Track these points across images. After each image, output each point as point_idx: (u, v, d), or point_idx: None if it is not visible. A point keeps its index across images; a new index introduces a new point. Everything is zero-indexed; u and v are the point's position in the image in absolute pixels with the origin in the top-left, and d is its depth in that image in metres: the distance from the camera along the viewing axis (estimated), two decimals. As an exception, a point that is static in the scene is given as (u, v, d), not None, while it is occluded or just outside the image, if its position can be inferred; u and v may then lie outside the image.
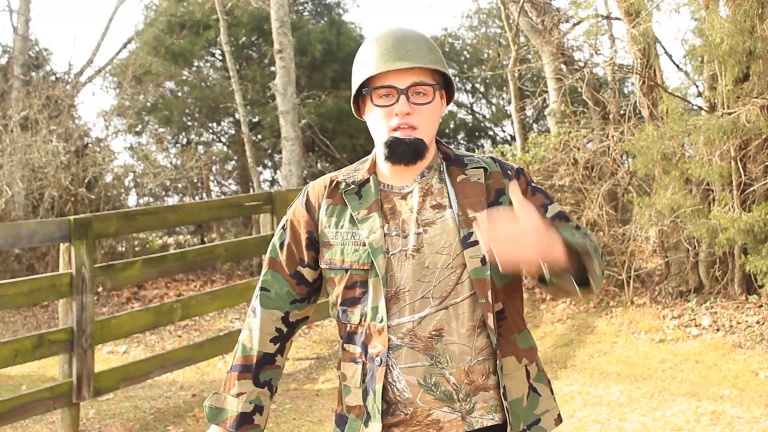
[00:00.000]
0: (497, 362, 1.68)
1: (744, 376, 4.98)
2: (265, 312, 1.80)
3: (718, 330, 5.86)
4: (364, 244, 1.70)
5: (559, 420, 1.80)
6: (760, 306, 6.02)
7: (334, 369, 5.68)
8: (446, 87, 1.78)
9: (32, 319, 7.70)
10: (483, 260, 1.67)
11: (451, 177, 1.75)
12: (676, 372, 5.16)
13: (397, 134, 1.69)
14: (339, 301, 1.75)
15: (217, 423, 1.77)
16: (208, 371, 5.79)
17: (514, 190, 1.54)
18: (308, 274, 1.81)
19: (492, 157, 1.81)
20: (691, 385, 4.88)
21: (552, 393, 1.81)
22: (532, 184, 1.80)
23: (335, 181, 1.79)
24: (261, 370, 1.79)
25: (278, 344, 1.81)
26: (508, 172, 1.78)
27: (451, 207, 1.71)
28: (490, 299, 1.67)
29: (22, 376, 5.71)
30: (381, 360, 1.67)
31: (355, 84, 1.74)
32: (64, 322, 4.44)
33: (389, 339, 1.67)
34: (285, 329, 1.81)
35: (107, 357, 6.25)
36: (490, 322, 1.67)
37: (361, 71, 1.72)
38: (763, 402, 4.51)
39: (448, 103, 1.81)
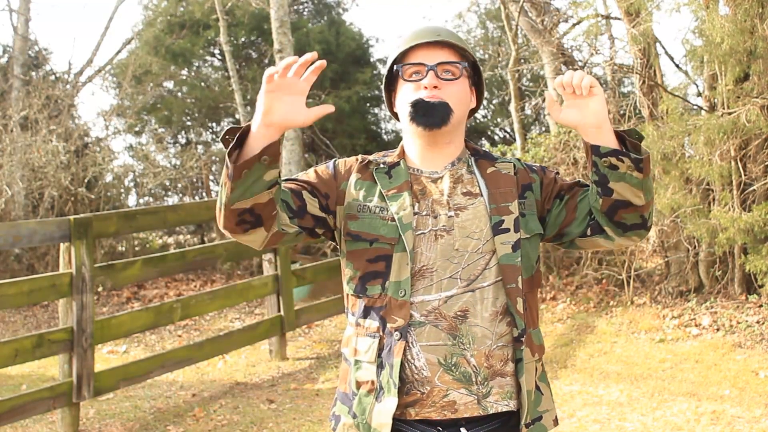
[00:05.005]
0: (517, 351, 1.69)
1: (744, 375, 4.98)
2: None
3: (718, 330, 5.86)
4: (393, 219, 1.71)
5: (556, 422, 1.81)
6: (760, 306, 6.02)
7: (334, 369, 5.67)
8: (476, 84, 1.84)
9: (32, 319, 7.70)
10: (514, 247, 1.69)
11: (480, 169, 1.79)
12: (676, 372, 5.16)
13: (423, 95, 1.72)
14: (359, 274, 1.72)
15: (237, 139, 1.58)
16: (208, 371, 5.79)
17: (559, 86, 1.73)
18: (308, 204, 1.72)
19: (517, 159, 1.89)
20: (691, 385, 4.87)
21: (551, 395, 1.83)
22: (556, 175, 1.86)
23: (367, 160, 1.82)
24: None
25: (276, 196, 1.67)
26: (534, 168, 1.84)
27: (482, 195, 1.75)
28: (519, 284, 1.69)
29: (22, 375, 5.71)
30: (400, 334, 1.66)
31: (389, 64, 1.81)
32: (64, 322, 4.44)
33: (411, 315, 1.67)
34: (277, 201, 1.68)
35: (107, 357, 6.25)
36: (519, 306, 1.69)
37: (393, 52, 1.80)
38: (763, 402, 4.51)
39: (478, 104, 1.85)
